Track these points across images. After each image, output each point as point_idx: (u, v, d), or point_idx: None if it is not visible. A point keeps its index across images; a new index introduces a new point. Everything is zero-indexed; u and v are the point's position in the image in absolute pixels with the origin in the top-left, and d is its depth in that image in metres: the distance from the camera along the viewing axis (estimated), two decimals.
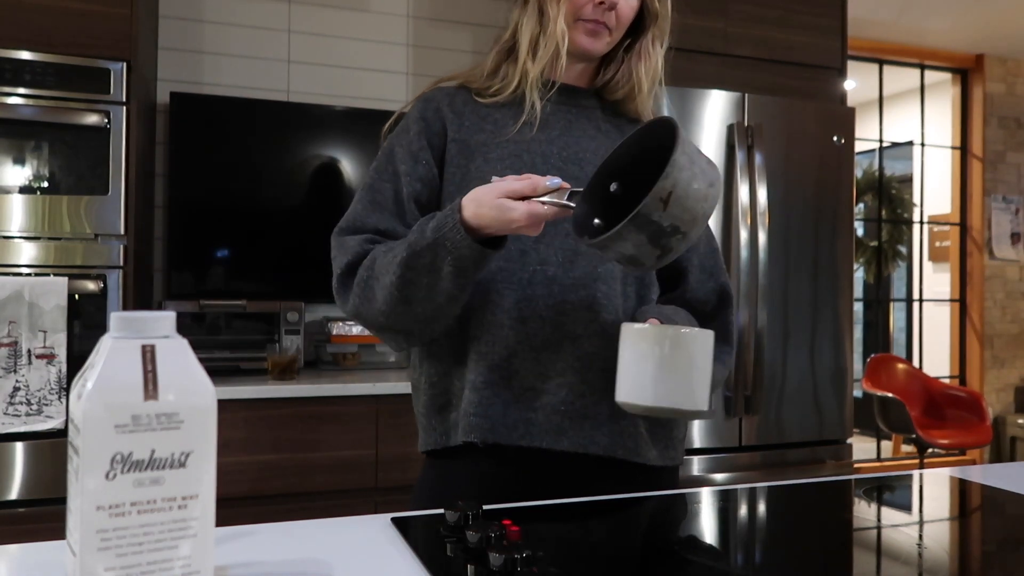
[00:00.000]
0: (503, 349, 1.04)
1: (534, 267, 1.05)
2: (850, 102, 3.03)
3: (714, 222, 2.55)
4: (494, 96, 1.13)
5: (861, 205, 5.59)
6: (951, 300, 5.07)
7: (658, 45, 1.15)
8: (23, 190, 2.12)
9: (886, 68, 5.05)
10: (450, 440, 1.08)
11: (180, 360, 0.58)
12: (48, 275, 2.10)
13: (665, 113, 1.07)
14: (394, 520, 0.83)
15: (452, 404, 1.08)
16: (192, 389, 0.58)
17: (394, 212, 1.08)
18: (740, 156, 2.56)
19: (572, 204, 0.90)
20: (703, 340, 0.88)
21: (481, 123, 1.12)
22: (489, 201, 0.90)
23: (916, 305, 5.46)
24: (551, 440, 1.03)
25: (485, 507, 0.87)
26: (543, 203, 0.89)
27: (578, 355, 1.04)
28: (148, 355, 0.57)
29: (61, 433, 2.08)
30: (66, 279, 2.10)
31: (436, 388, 1.09)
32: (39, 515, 2.06)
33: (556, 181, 0.90)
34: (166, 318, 0.58)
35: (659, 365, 0.86)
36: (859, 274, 5.60)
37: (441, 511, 0.81)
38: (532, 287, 1.04)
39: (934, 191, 5.30)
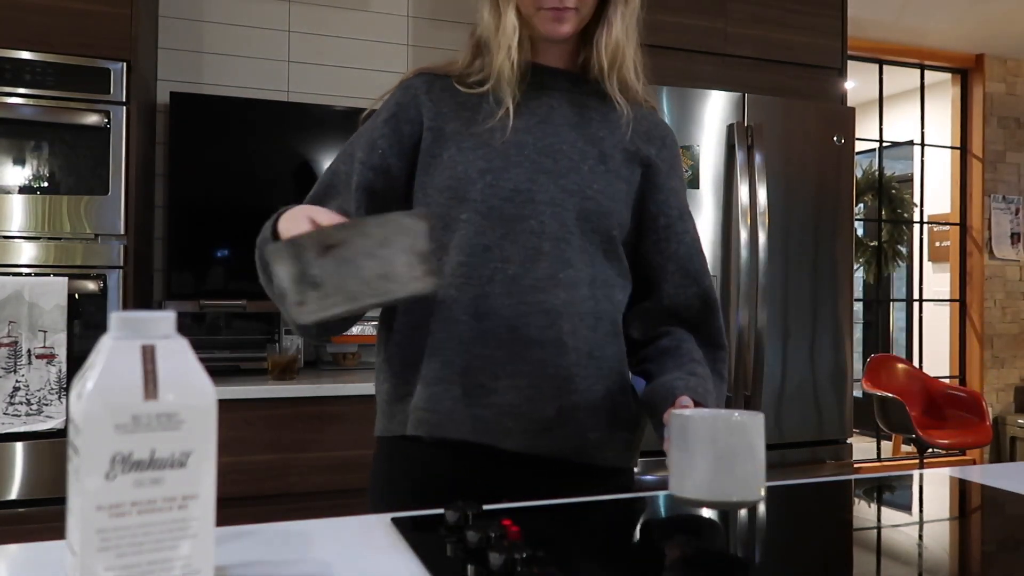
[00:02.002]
0: (457, 345, 1.03)
1: (495, 264, 1.03)
2: (850, 102, 3.03)
3: (714, 222, 2.55)
4: (473, 86, 1.10)
5: (861, 205, 5.59)
6: (951, 300, 5.07)
7: (621, 14, 1.09)
8: (23, 190, 2.12)
9: (886, 68, 5.05)
10: (405, 429, 1.08)
11: (180, 360, 0.58)
12: (48, 275, 2.10)
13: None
14: (394, 520, 0.83)
15: (412, 394, 1.08)
16: (192, 389, 0.58)
17: (346, 197, 1.10)
18: (740, 156, 2.56)
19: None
20: (755, 426, 0.82)
21: (458, 110, 1.09)
22: (299, 219, 0.89)
23: (916, 305, 5.46)
24: (498, 438, 1.03)
25: (485, 507, 0.87)
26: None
27: (530, 359, 1.02)
28: (148, 355, 0.57)
29: (61, 433, 2.08)
30: (66, 279, 2.10)
31: (398, 378, 1.09)
32: (39, 515, 2.06)
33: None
34: (166, 318, 0.58)
35: (712, 458, 0.80)
36: (859, 274, 5.60)
37: (441, 511, 0.81)
38: (491, 285, 1.03)
39: (934, 191, 5.30)
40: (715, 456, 0.79)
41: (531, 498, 0.96)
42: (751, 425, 0.81)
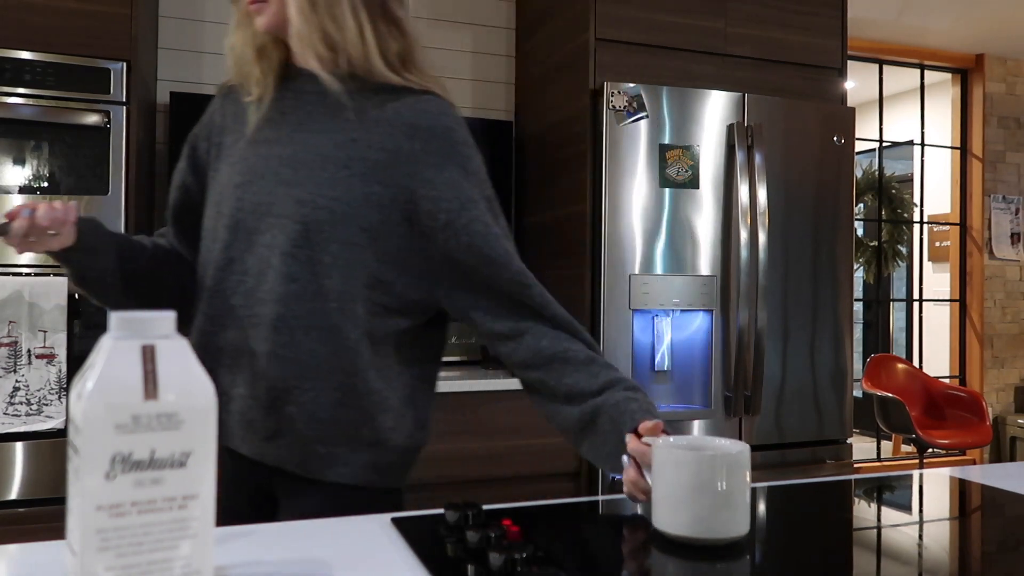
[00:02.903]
0: (204, 352, 1.07)
1: (238, 277, 1.05)
2: (850, 102, 3.03)
3: (714, 222, 2.55)
4: (248, 95, 1.09)
5: (861, 205, 5.59)
6: (951, 300, 5.07)
7: None
8: (23, 190, 2.12)
9: (886, 68, 5.05)
10: None
11: (180, 360, 0.58)
12: (48, 275, 2.10)
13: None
14: (394, 520, 0.83)
15: None
16: (192, 389, 0.58)
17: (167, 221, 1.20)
18: (740, 156, 2.56)
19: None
20: (746, 460, 0.80)
21: (234, 123, 1.11)
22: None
23: (916, 305, 5.46)
24: (237, 443, 1.07)
25: (486, 507, 0.87)
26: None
27: (254, 370, 1.03)
28: (148, 355, 0.57)
29: (61, 433, 2.08)
30: (66, 279, 2.10)
31: None
32: (39, 515, 2.06)
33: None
34: (166, 318, 0.58)
35: (691, 492, 0.78)
36: (859, 274, 5.60)
37: (441, 511, 0.81)
38: (233, 297, 1.05)
39: (934, 191, 5.30)
40: (712, 494, 0.78)
41: (267, 505, 1.08)
42: (743, 460, 0.80)
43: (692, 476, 0.78)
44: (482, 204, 1.04)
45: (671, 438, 0.86)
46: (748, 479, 0.80)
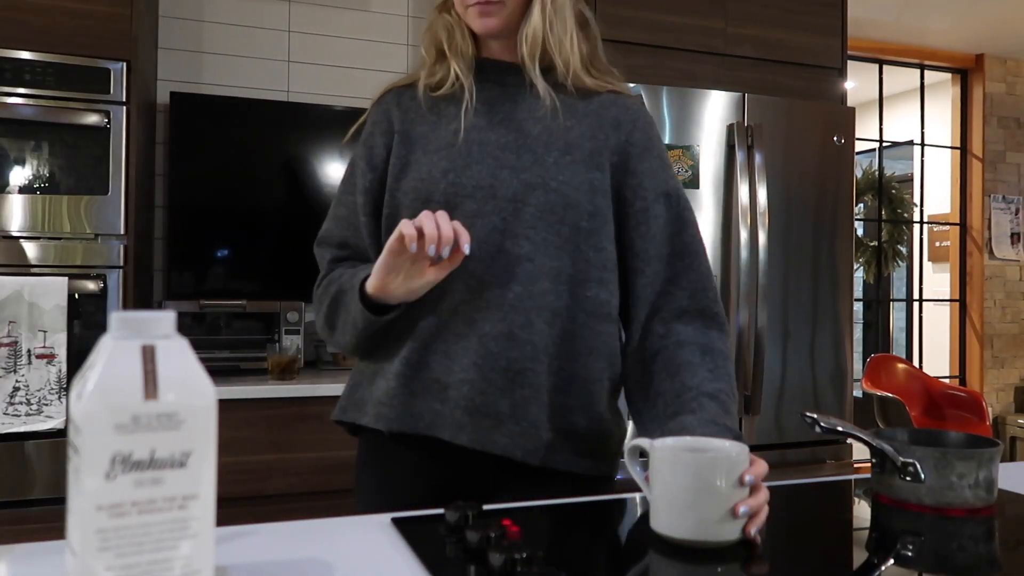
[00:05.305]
0: (416, 340, 1.05)
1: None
2: (850, 102, 3.03)
3: (714, 222, 2.55)
4: (438, 88, 1.12)
5: (861, 205, 5.59)
6: (951, 300, 5.07)
7: (541, 3, 1.08)
8: (23, 190, 2.12)
9: (886, 68, 5.05)
10: (359, 418, 1.11)
11: (180, 360, 0.58)
12: (48, 275, 2.10)
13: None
14: (394, 520, 0.83)
15: (362, 384, 1.13)
16: (192, 389, 0.58)
17: (355, 225, 1.14)
18: (740, 156, 2.56)
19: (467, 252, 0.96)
20: (744, 460, 0.79)
21: (426, 115, 1.12)
22: (395, 277, 0.99)
23: (916, 305, 5.46)
24: (452, 433, 1.03)
25: (486, 507, 0.87)
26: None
27: (482, 353, 1.02)
28: (148, 355, 0.57)
29: (61, 433, 2.08)
30: (66, 279, 2.10)
31: (360, 365, 1.15)
32: (39, 515, 2.06)
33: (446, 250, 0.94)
34: (166, 318, 0.58)
35: (690, 495, 0.77)
36: (859, 274, 5.60)
37: (441, 511, 0.81)
38: (452, 281, 1.03)
39: (934, 191, 5.30)
40: (711, 496, 0.77)
41: (487, 499, 0.98)
42: (742, 461, 0.79)
43: (691, 479, 0.77)
44: (678, 198, 1.13)
45: (670, 439, 0.86)
46: (731, 484, 0.78)
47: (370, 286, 1.01)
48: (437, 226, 0.93)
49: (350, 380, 1.17)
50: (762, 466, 0.83)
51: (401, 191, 1.09)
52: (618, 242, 1.11)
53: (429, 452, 1.06)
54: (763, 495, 0.81)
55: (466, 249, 0.95)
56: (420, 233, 0.93)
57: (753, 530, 0.78)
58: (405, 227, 0.93)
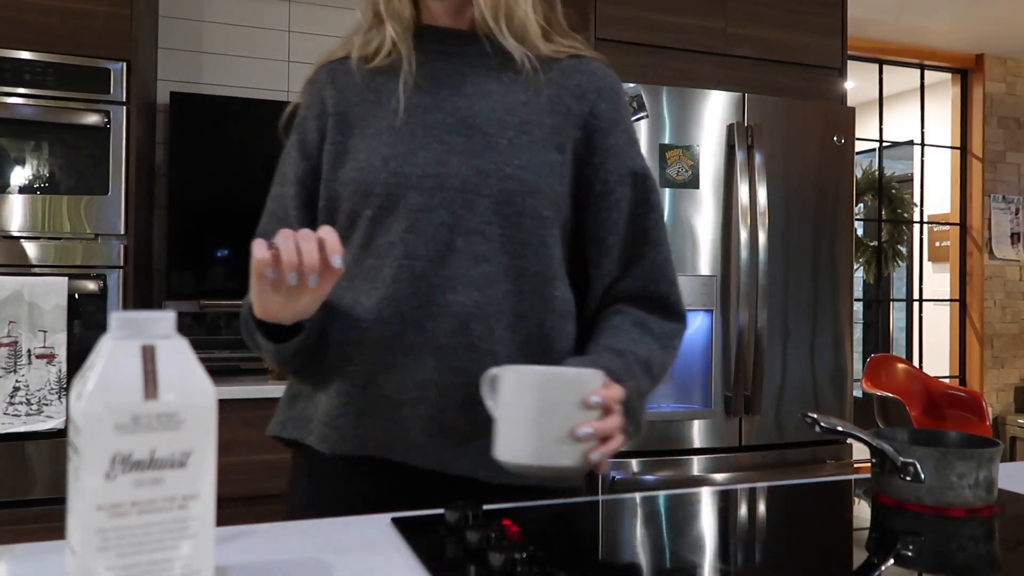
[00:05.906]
0: (361, 353, 0.92)
1: (400, 262, 0.91)
2: (850, 102, 3.03)
3: (714, 222, 2.55)
4: (373, 58, 0.98)
5: (861, 205, 5.59)
6: (951, 300, 5.07)
7: None
8: (23, 190, 2.12)
9: (886, 68, 5.05)
10: (303, 436, 0.99)
11: (180, 360, 0.58)
12: (48, 275, 2.10)
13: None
14: (394, 520, 0.83)
15: (303, 395, 1.01)
16: (192, 389, 0.58)
17: (285, 219, 1.00)
18: (740, 156, 2.56)
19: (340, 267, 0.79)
20: (578, 382, 0.74)
21: (363, 93, 0.98)
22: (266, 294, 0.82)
23: (916, 305, 5.46)
24: (407, 455, 0.92)
25: (486, 507, 0.87)
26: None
27: (440, 368, 0.90)
28: (148, 355, 0.57)
29: (61, 433, 2.08)
30: (66, 279, 2.10)
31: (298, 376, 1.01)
32: (39, 515, 2.06)
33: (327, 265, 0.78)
34: (166, 318, 0.58)
35: (523, 414, 0.74)
36: (859, 274, 5.60)
37: (441, 511, 0.81)
38: (397, 285, 0.91)
39: (934, 191, 5.30)
40: (550, 415, 0.73)
41: None
42: (591, 382, 0.75)
43: (532, 398, 0.74)
44: (643, 180, 1.00)
45: (523, 367, 0.81)
46: (564, 405, 0.74)
47: (256, 312, 0.87)
48: (297, 248, 0.77)
49: (288, 390, 1.04)
50: (616, 390, 0.78)
51: (339, 182, 0.96)
52: (574, 228, 0.99)
53: (378, 471, 0.94)
54: (613, 420, 0.76)
55: (337, 263, 0.78)
56: (276, 257, 0.77)
57: (596, 455, 0.73)
58: (257, 250, 0.77)
